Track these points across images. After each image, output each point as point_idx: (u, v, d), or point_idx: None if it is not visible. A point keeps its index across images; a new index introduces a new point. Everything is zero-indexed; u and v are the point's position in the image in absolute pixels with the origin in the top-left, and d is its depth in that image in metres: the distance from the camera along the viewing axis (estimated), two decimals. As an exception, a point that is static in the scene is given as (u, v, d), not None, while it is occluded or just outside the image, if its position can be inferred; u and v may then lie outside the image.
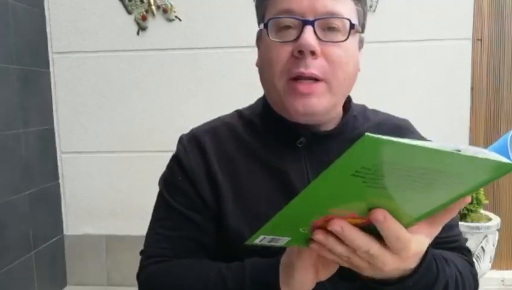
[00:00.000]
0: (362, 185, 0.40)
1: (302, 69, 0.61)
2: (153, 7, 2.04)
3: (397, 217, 0.46)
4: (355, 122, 0.74)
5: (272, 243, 0.52)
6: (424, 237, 0.49)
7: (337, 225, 0.46)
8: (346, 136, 0.71)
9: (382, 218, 0.45)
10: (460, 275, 0.64)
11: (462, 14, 1.97)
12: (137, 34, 2.09)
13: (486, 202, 1.87)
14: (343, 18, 0.62)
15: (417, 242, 0.49)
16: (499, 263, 2.13)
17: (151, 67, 2.11)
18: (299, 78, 0.62)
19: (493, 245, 1.84)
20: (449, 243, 0.70)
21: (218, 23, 2.04)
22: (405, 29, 1.99)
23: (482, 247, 1.81)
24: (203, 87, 2.10)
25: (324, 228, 0.48)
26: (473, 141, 2.08)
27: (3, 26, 1.84)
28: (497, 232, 1.85)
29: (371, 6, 1.98)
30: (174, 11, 2.05)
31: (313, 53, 0.60)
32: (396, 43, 2.01)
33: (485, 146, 2.11)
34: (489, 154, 0.40)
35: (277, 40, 0.62)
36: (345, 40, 0.62)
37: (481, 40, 2.03)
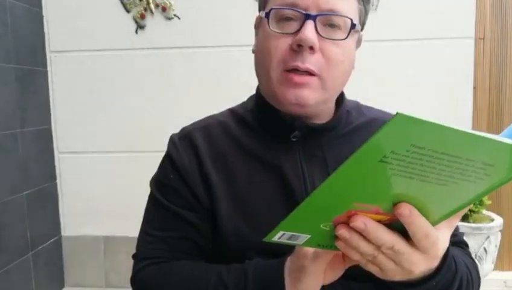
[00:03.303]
0: (389, 173, 0.39)
1: (299, 63, 0.61)
2: (152, 5, 2.03)
3: (423, 215, 0.44)
4: (349, 117, 0.74)
5: (290, 241, 0.50)
6: (447, 231, 0.48)
7: (360, 221, 0.44)
8: (340, 131, 0.71)
9: (408, 212, 0.42)
10: (469, 271, 0.64)
11: (464, 13, 1.96)
12: (136, 32, 2.07)
13: (489, 202, 1.85)
14: (345, 17, 0.62)
15: (442, 238, 0.47)
16: (501, 264, 2.11)
17: (150, 66, 2.09)
18: (294, 70, 0.62)
19: (495, 246, 1.83)
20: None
21: (217, 22, 2.03)
22: (407, 28, 1.98)
23: (485, 248, 1.80)
24: (203, 86, 2.08)
25: (347, 224, 0.46)
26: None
27: (1, 25, 1.82)
28: (499, 233, 1.83)
29: (372, 5, 1.96)
30: (173, 10, 2.03)
31: (311, 48, 0.61)
32: (398, 42, 1.99)
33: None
34: None
35: (277, 30, 0.62)
36: (344, 39, 0.62)
37: (483, 38, 2.02)
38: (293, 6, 0.61)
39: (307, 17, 0.60)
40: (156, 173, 0.75)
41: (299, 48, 0.61)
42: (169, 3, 2.03)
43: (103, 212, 2.19)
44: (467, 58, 1.99)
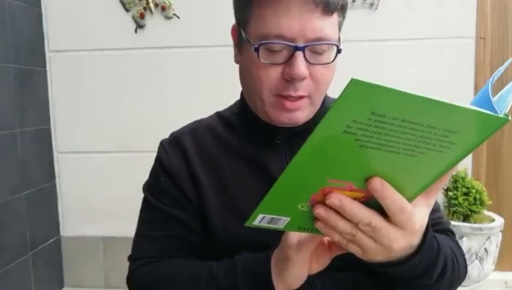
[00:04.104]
0: (355, 145, 0.39)
1: (292, 92, 0.63)
2: (151, 5, 2.03)
3: (398, 191, 0.45)
4: None
5: (271, 225, 0.50)
6: (424, 208, 0.48)
7: (335, 198, 0.45)
8: None
9: (380, 185, 0.43)
10: (454, 254, 0.65)
11: (465, 12, 1.96)
12: (135, 32, 2.07)
13: (490, 202, 1.85)
14: (331, 44, 0.63)
15: (420, 214, 0.47)
16: (502, 264, 2.11)
17: (149, 65, 2.09)
18: (286, 96, 0.64)
19: (496, 246, 1.83)
20: (433, 225, 0.70)
21: (216, 21, 2.02)
22: (407, 27, 1.98)
23: (485, 248, 1.80)
24: (202, 85, 2.08)
25: (324, 203, 0.46)
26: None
27: (0, 25, 1.82)
28: (500, 233, 1.83)
29: (372, 5, 1.96)
30: (173, 9, 2.03)
31: (303, 79, 0.63)
32: (398, 42, 1.99)
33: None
34: (480, 109, 0.39)
35: (267, 62, 0.63)
36: (331, 62, 0.64)
37: (484, 38, 2.01)
38: (279, 37, 0.61)
39: (296, 49, 0.61)
40: (148, 178, 0.78)
41: (291, 78, 0.62)
42: (169, 2, 2.02)
43: (102, 212, 2.19)
44: (468, 58, 1.98)
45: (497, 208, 2.07)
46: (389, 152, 0.41)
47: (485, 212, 1.88)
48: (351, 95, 0.35)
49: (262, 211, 0.48)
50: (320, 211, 0.46)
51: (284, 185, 0.44)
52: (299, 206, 0.47)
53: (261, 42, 0.61)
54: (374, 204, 0.46)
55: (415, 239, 0.49)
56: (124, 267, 0.78)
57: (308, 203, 0.47)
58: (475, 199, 1.80)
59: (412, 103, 0.37)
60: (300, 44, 0.61)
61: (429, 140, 0.40)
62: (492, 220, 1.84)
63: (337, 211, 0.46)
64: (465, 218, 1.82)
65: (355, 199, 0.46)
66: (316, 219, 0.48)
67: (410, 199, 0.46)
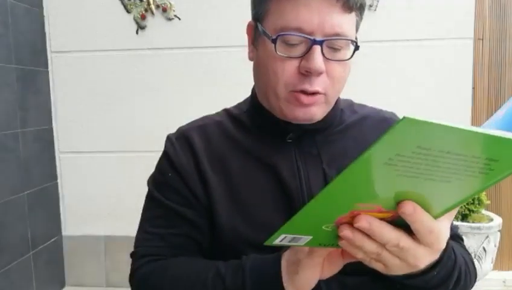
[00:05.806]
0: (393, 174, 0.38)
1: (307, 86, 0.63)
2: (152, 6, 2.03)
3: (426, 209, 0.44)
4: (342, 115, 0.76)
5: (292, 243, 0.50)
6: (447, 222, 0.48)
7: (364, 221, 0.44)
8: (334, 129, 0.74)
9: (412, 210, 0.42)
10: (466, 263, 0.65)
11: (463, 13, 1.97)
12: (137, 33, 2.08)
13: (488, 202, 1.86)
14: (349, 40, 0.63)
15: (444, 230, 0.47)
16: (500, 263, 2.11)
17: (150, 66, 2.10)
18: (302, 91, 0.64)
19: (495, 246, 1.83)
20: None
21: (217, 22, 2.03)
22: (406, 28, 1.99)
23: (484, 247, 1.80)
24: (203, 86, 2.09)
25: (350, 224, 0.45)
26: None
27: (2, 26, 1.83)
28: (498, 233, 1.84)
29: (371, 6, 1.97)
30: (174, 10, 2.04)
31: (319, 73, 0.62)
32: (397, 43, 2.00)
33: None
34: None
35: (284, 55, 0.62)
36: (349, 59, 0.64)
37: (482, 39, 2.02)
38: (297, 30, 0.60)
39: (314, 42, 0.60)
40: (153, 172, 0.76)
41: (307, 72, 0.62)
42: (170, 4, 2.03)
43: (104, 211, 2.20)
44: (466, 59, 1.99)
45: (495, 207, 2.08)
46: (426, 179, 0.40)
47: (484, 211, 1.89)
48: (400, 132, 0.34)
49: (285, 231, 0.47)
50: (346, 232, 0.45)
51: (312, 209, 0.43)
52: (323, 227, 0.47)
53: (279, 34, 0.61)
54: (399, 222, 0.45)
55: (438, 254, 0.50)
56: (125, 266, 0.76)
57: (333, 224, 0.46)
58: (473, 198, 1.81)
59: (461, 137, 0.36)
60: (319, 38, 0.60)
61: (469, 168, 0.39)
62: (491, 220, 1.85)
63: (363, 232, 0.45)
64: (464, 217, 1.83)
65: (382, 218, 0.45)
66: (339, 237, 0.47)
67: (436, 217, 0.46)
